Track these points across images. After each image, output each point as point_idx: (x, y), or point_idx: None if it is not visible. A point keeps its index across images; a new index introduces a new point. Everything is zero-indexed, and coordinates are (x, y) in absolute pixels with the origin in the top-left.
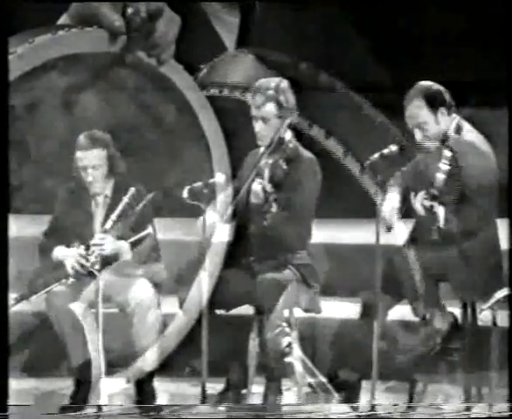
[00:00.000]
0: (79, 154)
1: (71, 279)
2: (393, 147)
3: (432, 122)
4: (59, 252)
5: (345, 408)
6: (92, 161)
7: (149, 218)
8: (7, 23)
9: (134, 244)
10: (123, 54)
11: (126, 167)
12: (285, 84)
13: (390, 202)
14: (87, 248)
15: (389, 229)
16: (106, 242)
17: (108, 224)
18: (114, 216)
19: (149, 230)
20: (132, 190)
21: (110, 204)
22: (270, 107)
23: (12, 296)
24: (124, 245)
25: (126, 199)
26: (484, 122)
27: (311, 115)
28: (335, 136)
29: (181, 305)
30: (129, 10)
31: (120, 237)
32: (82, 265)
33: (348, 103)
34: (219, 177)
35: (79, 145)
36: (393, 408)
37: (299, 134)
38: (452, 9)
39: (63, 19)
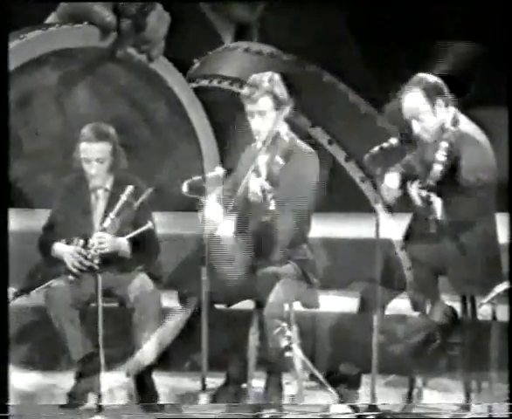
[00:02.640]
0: (83, 145)
1: (70, 277)
2: (393, 141)
3: (430, 114)
4: (59, 249)
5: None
6: (96, 153)
7: (149, 213)
8: (8, 20)
9: (133, 239)
10: (114, 49)
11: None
12: (277, 77)
13: (388, 181)
14: (86, 243)
15: (388, 206)
16: (105, 240)
17: (107, 223)
18: (112, 215)
19: (149, 224)
20: (130, 188)
21: (110, 198)
22: (265, 100)
23: (12, 290)
24: (123, 242)
25: (124, 197)
26: (483, 120)
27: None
28: (321, 125)
29: (181, 300)
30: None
31: (119, 234)
32: (81, 263)
33: (334, 93)
34: (218, 171)
35: (84, 136)
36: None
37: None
38: (451, 6)
39: (51, 18)
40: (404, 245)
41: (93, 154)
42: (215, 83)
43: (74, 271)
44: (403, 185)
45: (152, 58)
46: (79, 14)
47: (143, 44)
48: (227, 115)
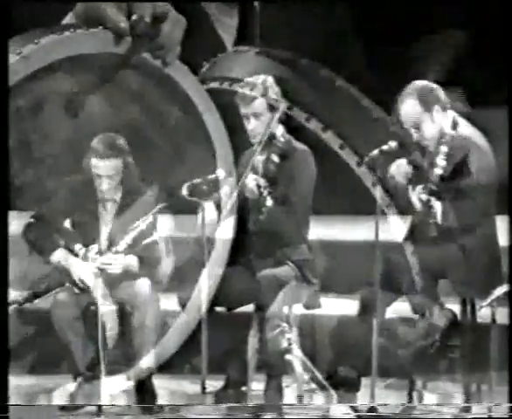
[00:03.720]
0: (94, 161)
1: (76, 290)
2: (392, 144)
3: (428, 121)
4: (66, 259)
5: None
6: (109, 171)
7: (156, 225)
8: (7, 23)
9: (139, 251)
10: (128, 55)
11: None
12: (270, 79)
13: (398, 165)
14: (88, 251)
15: (395, 189)
16: (117, 263)
17: (121, 247)
18: (128, 241)
19: (155, 236)
20: (150, 218)
21: (118, 209)
22: (260, 102)
23: (15, 298)
24: (133, 261)
25: (143, 226)
26: (484, 121)
27: (309, 109)
28: (333, 129)
29: (183, 306)
30: (134, 16)
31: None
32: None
33: (346, 97)
34: (219, 173)
35: (95, 151)
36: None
37: (294, 129)
38: (451, 7)
39: (68, 18)
40: (415, 250)
41: (105, 171)
42: (226, 85)
43: (81, 285)
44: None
45: (167, 64)
46: (95, 18)
47: (158, 50)
48: (235, 118)
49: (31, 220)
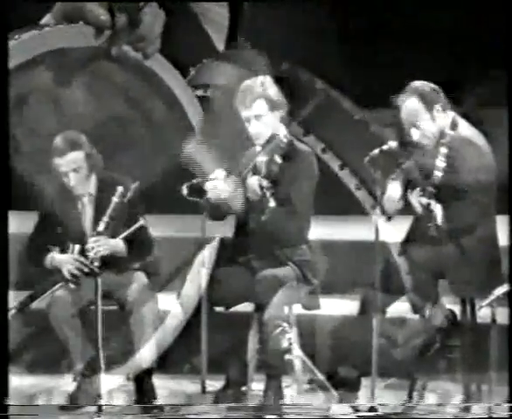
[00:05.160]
0: (56, 160)
1: (70, 285)
2: (392, 143)
3: (428, 120)
4: (55, 259)
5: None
6: (71, 165)
7: (139, 210)
8: (7, 20)
9: (127, 238)
10: (109, 47)
11: (103, 160)
12: (269, 79)
13: (391, 192)
14: (82, 251)
15: (389, 218)
16: (101, 244)
17: (101, 227)
18: (105, 218)
19: (141, 221)
20: (120, 189)
21: (96, 202)
22: (260, 104)
23: (13, 303)
24: (119, 243)
25: (115, 199)
26: (483, 120)
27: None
28: (314, 134)
29: (178, 296)
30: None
31: (113, 235)
32: (80, 269)
33: (327, 100)
34: (218, 174)
35: (55, 151)
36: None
37: None
38: (451, 7)
39: (46, 19)
40: (401, 250)
41: (68, 166)
42: (209, 93)
43: (73, 279)
44: (404, 194)
45: (148, 56)
46: (74, 14)
47: (138, 42)
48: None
49: (30, 244)
